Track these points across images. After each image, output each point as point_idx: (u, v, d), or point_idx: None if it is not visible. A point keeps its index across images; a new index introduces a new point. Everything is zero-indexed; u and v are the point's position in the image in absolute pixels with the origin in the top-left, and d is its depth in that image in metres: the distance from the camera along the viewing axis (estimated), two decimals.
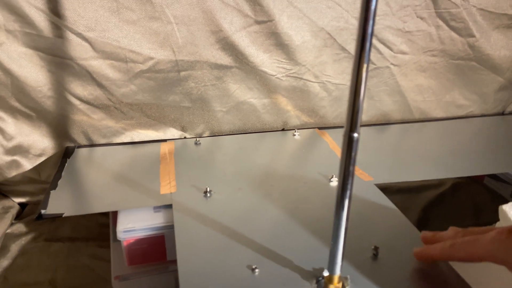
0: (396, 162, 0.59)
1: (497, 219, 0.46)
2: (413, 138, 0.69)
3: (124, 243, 0.45)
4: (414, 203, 0.70)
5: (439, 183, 0.73)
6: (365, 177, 0.54)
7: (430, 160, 0.60)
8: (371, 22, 0.26)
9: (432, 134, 0.71)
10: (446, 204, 0.70)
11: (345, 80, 0.67)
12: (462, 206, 0.70)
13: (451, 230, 0.38)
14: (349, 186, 0.31)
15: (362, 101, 0.29)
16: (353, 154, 0.30)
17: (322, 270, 0.37)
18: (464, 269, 0.38)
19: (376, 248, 0.40)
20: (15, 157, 0.60)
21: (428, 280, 0.37)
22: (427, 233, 0.40)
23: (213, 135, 0.67)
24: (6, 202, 0.62)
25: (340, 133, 0.67)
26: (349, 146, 0.30)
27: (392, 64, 0.67)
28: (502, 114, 0.79)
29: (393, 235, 0.42)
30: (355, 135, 0.30)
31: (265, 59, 0.62)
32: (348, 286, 0.36)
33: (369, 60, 0.28)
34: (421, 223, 0.64)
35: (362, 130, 0.70)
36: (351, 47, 0.64)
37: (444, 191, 0.73)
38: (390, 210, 0.47)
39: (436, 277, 0.37)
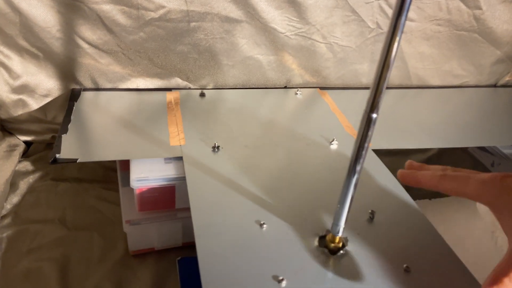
0: (393, 129, 0.62)
1: None
2: (409, 104, 0.72)
3: (137, 191, 0.47)
4: (403, 165, 0.74)
5: (427, 148, 0.77)
6: None
7: (425, 129, 0.63)
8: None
9: (428, 101, 0.74)
10: None
11: (352, 42, 0.68)
12: None
13: (439, 166, 0.39)
14: (361, 160, 0.34)
15: (386, 84, 0.31)
16: (370, 133, 0.33)
17: (324, 229, 0.41)
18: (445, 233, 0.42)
19: (372, 212, 0.44)
20: (21, 96, 0.60)
21: (417, 242, 0.41)
22: (414, 162, 0.41)
23: (217, 87, 0.68)
24: (12, 140, 0.63)
25: (340, 94, 0.70)
26: (367, 125, 0.32)
27: None
28: (495, 86, 0.82)
29: (388, 200, 0.46)
30: (374, 115, 0.32)
31: (276, 16, 0.62)
32: (346, 245, 0.40)
33: (398, 46, 0.30)
34: (408, 186, 0.68)
35: (363, 93, 0.73)
36: (362, 10, 0.65)
37: (431, 156, 0.78)
38: (385, 176, 0.51)
39: (423, 239, 0.42)
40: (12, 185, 0.58)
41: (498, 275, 0.31)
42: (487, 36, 0.72)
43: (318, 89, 0.71)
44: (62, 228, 0.53)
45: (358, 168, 0.34)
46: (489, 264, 0.46)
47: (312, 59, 0.68)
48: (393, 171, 0.52)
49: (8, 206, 0.55)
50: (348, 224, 0.39)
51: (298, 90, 0.69)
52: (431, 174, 0.38)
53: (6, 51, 0.57)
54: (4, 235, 0.51)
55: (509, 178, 0.33)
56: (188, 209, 0.42)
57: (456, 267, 0.39)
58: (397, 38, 0.29)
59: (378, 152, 0.55)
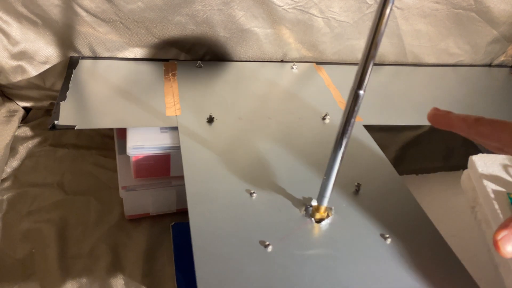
0: (385, 105, 0.64)
1: (465, 166, 0.52)
2: (403, 81, 0.73)
3: (133, 158, 0.49)
4: (394, 141, 0.76)
5: (419, 125, 0.78)
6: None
7: (417, 106, 0.64)
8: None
9: (422, 78, 0.75)
10: (422, 145, 0.77)
11: (349, 18, 0.68)
12: (435, 149, 0.77)
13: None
14: (347, 135, 0.35)
15: (373, 62, 0.32)
16: (356, 108, 0.34)
17: (311, 199, 0.43)
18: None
19: (358, 185, 0.46)
20: (20, 63, 0.61)
21: (400, 214, 0.43)
22: (439, 109, 0.37)
23: (213, 59, 0.69)
24: (12, 106, 0.64)
25: (336, 70, 0.71)
26: (354, 101, 0.34)
27: (396, 7, 0.68)
28: (489, 66, 0.82)
29: (375, 174, 0.48)
30: (361, 92, 0.33)
31: None
32: (332, 215, 0.42)
33: (386, 25, 0.31)
34: (397, 161, 0.70)
35: (357, 68, 0.73)
36: None
37: (422, 132, 0.79)
38: (374, 151, 0.52)
39: (406, 212, 0.44)
40: (12, 149, 0.59)
41: (508, 221, 0.31)
42: (484, 15, 0.73)
43: (314, 63, 0.72)
44: (60, 192, 0.55)
45: (344, 142, 0.36)
46: (467, 236, 0.48)
47: (309, 34, 0.68)
48: (384, 147, 0.54)
49: (8, 169, 0.57)
50: (334, 195, 0.41)
51: (294, 64, 0.70)
52: (465, 116, 0.35)
53: (5, 17, 0.58)
54: (5, 197, 0.53)
55: None
56: (182, 177, 0.44)
57: (435, 239, 0.41)
58: (386, 15, 0.29)
59: (370, 128, 0.56)
